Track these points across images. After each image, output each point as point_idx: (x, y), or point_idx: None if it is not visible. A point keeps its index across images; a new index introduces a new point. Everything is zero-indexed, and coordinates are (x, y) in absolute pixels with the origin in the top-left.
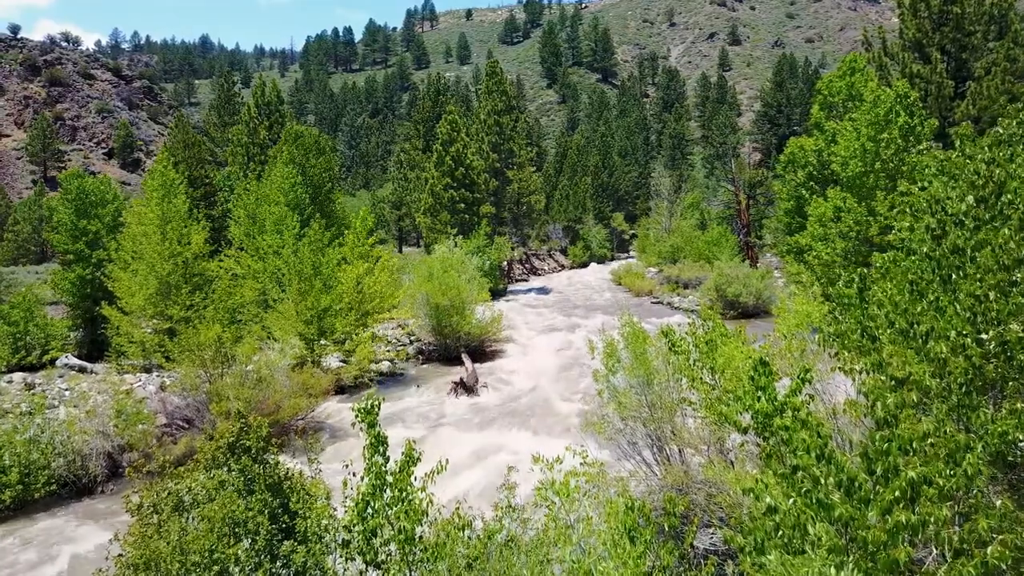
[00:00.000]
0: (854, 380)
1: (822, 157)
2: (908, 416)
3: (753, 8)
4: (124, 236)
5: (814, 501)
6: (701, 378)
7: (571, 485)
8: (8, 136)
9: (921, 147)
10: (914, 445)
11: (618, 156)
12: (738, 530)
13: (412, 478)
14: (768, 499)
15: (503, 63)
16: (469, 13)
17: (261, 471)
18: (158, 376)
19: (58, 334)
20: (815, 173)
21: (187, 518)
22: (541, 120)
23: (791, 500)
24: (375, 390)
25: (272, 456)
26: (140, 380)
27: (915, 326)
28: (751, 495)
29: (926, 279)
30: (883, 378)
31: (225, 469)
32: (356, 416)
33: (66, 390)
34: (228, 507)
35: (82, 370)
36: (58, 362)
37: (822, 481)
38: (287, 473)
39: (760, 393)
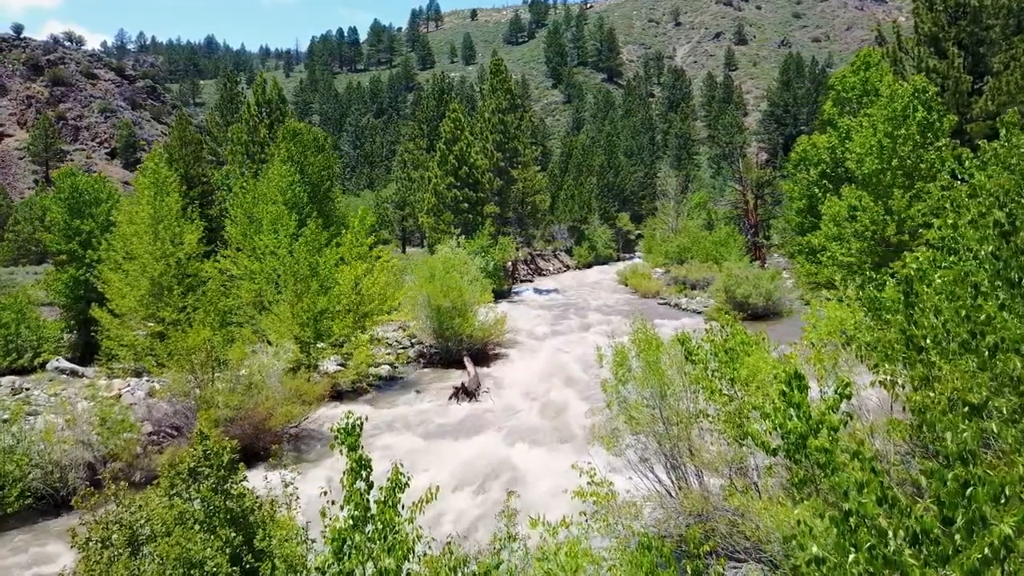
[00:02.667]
0: (896, 396)
1: (835, 154)
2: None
3: (759, 7)
4: (114, 236)
5: (880, 558)
6: (720, 390)
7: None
8: (11, 136)
9: (940, 143)
10: (1007, 491)
11: (623, 156)
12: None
13: (399, 506)
14: (815, 548)
15: (508, 63)
16: (474, 13)
17: (223, 503)
18: (148, 381)
19: (51, 336)
20: (828, 171)
21: (140, 555)
22: (546, 120)
23: (851, 556)
24: (373, 394)
25: (237, 483)
26: (129, 385)
27: (979, 337)
28: (795, 543)
29: (980, 280)
30: (932, 394)
31: (186, 498)
32: (336, 437)
33: (52, 396)
34: (184, 545)
35: (73, 373)
36: (49, 365)
37: (890, 534)
38: (257, 503)
39: (793, 411)
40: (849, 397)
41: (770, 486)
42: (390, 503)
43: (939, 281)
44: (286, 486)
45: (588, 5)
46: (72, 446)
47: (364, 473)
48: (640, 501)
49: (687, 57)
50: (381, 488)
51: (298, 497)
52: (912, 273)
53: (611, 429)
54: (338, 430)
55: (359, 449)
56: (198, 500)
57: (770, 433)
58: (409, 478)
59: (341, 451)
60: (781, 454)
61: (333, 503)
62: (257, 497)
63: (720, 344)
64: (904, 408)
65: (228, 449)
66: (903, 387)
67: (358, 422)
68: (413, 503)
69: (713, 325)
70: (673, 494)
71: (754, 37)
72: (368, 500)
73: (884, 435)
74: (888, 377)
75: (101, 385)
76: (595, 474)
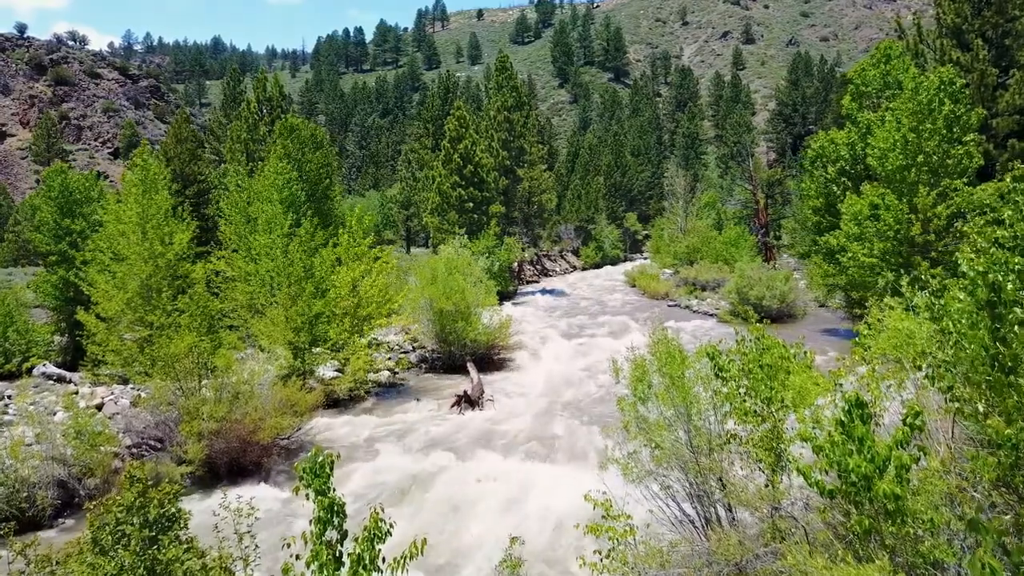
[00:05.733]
0: (981, 427)
1: (855, 151)
2: None
3: (767, 7)
4: (100, 236)
5: None
6: (754, 411)
7: None
8: (13, 136)
9: (968, 138)
10: None
11: (630, 155)
12: None
13: (379, 561)
14: None
15: (514, 63)
16: (480, 13)
17: (149, 568)
18: (133, 389)
19: (40, 340)
20: (847, 168)
21: None
22: (553, 120)
23: None
24: (371, 402)
25: (171, 541)
26: (113, 393)
27: None
28: None
29: None
30: None
31: (112, 556)
32: (301, 478)
33: (30, 404)
34: None
35: (61, 379)
36: (35, 370)
37: None
38: (201, 563)
39: (853, 446)
40: (921, 428)
41: (812, 526)
42: (367, 560)
43: (1011, 287)
44: (240, 538)
45: (595, 5)
46: (42, 462)
47: (336, 520)
48: (666, 547)
49: (694, 56)
50: (356, 539)
51: (257, 546)
52: (1000, 278)
53: (628, 453)
54: (303, 470)
55: (330, 492)
56: (130, 559)
57: (825, 471)
58: (391, 525)
59: (308, 496)
60: (839, 496)
61: (297, 558)
62: (203, 555)
63: (753, 357)
64: (989, 442)
65: (156, 502)
66: (983, 416)
67: (328, 460)
68: (395, 559)
69: (744, 335)
70: (698, 525)
71: (762, 36)
72: (341, 553)
73: (954, 470)
74: (972, 405)
75: (84, 393)
76: (611, 506)
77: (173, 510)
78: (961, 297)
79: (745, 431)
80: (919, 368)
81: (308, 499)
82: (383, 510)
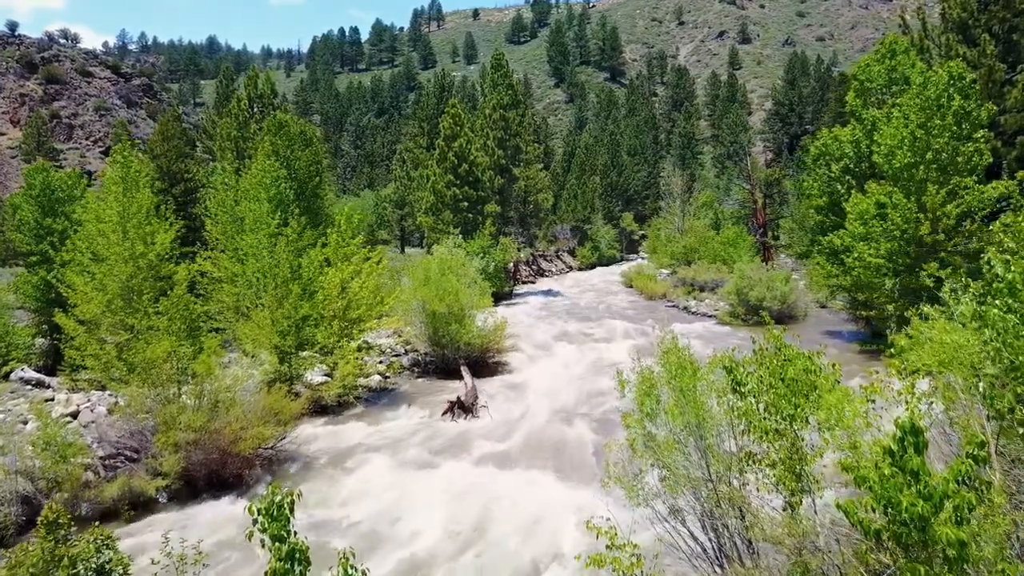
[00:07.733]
0: None
1: (860, 148)
2: None
3: (763, 6)
4: (80, 235)
5: None
6: (775, 430)
7: None
8: (3, 135)
9: (978, 135)
10: None
11: (627, 155)
12: None
13: None
14: None
15: (510, 62)
16: (476, 13)
17: None
18: (111, 395)
19: (21, 343)
20: (851, 166)
21: None
22: (548, 120)
23: None
24: (360, 408)
25: None
26: (90, 400)
27: None
28: None
29: None
30: None
31: None
32: (254, 521)
33: (0, 412)
34: None
35: (40, 384)
36: (12, 375)
37: None
38: None
39: (903, 479)
40: (986, 461)
41: (846, 563)
42: None
43: None
44: None
45: (591, 4)
46: (6, 476)
47: (298, 570)
48: None
49: (690, 56)
50: None
51: None
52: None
53: (634, 474)
54: (257, 511)
55: (290, 537)
56: None
57: (872, 508)
58: (364, 574)
59: (263, 543)
60: (887, 538)
61: None
62: None
63: (774, 370)
64: None
65: (67, 561)
66: None
67: (288, 499)
68: None
69: (762, 344)
70: (712, 556)
71: (758, 36)
72: None
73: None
74: None
75: (60, 399)
76: (615, 534)
77: (105, 559)
78: (997, 302)
79: (762, 450)
80: (972, 384)
81: (263, 546)
82: (354, 555)
